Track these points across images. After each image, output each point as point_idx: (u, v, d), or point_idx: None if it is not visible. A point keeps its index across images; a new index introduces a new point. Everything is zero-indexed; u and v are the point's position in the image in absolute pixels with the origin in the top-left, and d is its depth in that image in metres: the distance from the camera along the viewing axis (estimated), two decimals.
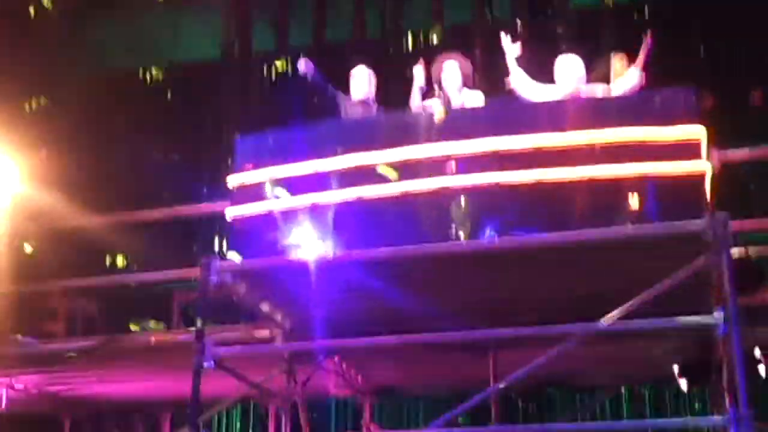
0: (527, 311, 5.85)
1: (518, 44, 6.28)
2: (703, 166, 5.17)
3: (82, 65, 12.04)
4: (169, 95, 11.82)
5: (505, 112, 5.76)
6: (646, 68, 6.08)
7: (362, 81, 6.52)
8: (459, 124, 5.64)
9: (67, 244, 8.13)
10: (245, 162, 5.96)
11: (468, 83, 6.35)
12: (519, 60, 6.23)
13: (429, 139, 5.58)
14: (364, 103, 6.49)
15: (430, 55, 10.66)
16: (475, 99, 6.25)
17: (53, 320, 7.97)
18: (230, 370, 5.68)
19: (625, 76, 6.17)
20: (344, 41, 11.36)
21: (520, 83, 6.15)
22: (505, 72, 6.25)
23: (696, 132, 5.21)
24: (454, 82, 6.26)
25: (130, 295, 8.67)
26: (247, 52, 11.90)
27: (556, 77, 6.15)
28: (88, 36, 11.93)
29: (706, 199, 5.13)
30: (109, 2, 11.62)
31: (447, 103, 6.14)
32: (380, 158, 5.60)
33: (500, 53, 6.34)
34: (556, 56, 6.30)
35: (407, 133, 5.66)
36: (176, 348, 6.62)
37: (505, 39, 6.26)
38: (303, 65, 6.41)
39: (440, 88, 6.26)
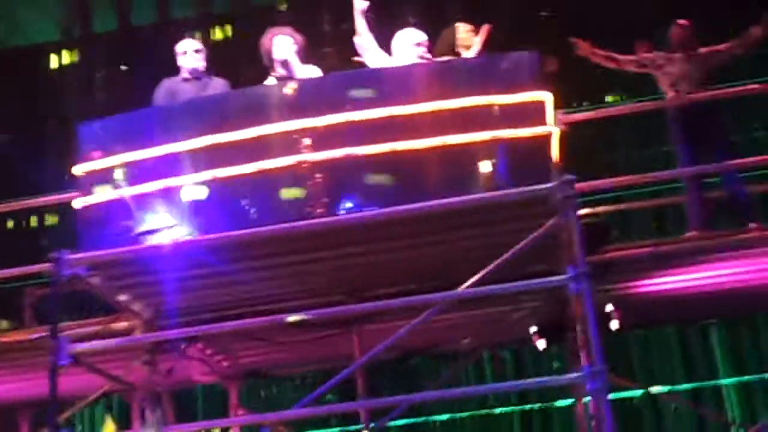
0: (388, 283, 5.89)
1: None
2: (548, 129, 5.29)
3: None
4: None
5: (354, 81, 5.73)
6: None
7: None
8: (309, 97, 5.58)
9: None
10: (91, 149, 5.75)
11: (301, 56, 6.26)
12: (366, 16, 6.18)
13: (281, 115, 5.51)
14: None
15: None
16: (311, 72, 6.19)
17: None
18: (89, 365, 5.51)
19: (470, 50, 6.27)
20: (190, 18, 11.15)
21: (366, 45, 6.12)
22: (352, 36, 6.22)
23: (541, 96, 5.32)
24: (289, 56, 6.16)
25: None
26: (89, 33, 11.53)
27: (395, 50, 6.18)
28: None
29: (553, 161, 5.26)
30: None
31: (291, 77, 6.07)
32: (232, 137, 5.50)
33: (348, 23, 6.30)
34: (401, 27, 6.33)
35: (259, 110, 5.57)
36: (31, 347, 6.36)
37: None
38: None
39: (279, 64, 6.17)
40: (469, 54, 6.40)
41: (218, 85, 6.51)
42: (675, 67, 6.78)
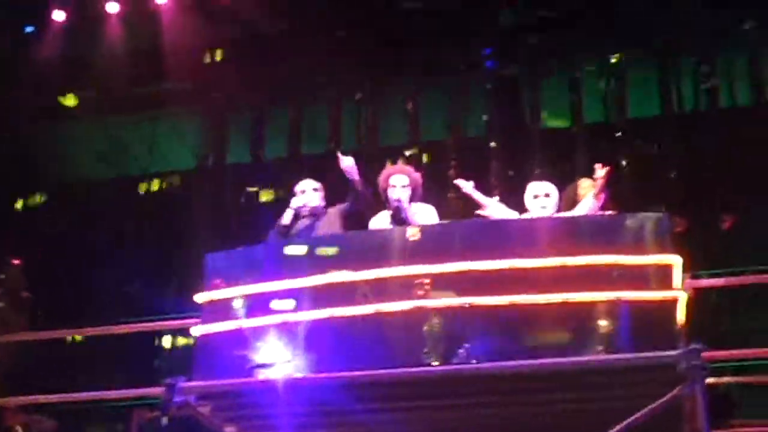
0: None
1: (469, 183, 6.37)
2: (676, 294, 5.13)
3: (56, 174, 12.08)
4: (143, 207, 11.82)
5: (478, 232, 5.74)
6: (602, 196, 6.13)
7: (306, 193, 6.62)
8: (432, 244, 5.59)
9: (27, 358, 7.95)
10: (214, 278, 5.88)
11: (415, 198, 6.34)
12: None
13: (402, 259, 5.53)
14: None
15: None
16: (426, 212, 6.23)
17: None
18: None
19: (582, 203, 6.21)
20: (320, 155, 11.47)
21: (492, 209, 6.18)
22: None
23: (670, 259, 5.19)
24: (404, 196, 6.25)
25: (89, 411, 8.44)
26: (221, 165, 11.96)
27: (527, 203, 6.19)
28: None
29: (678, 327, 5.08)
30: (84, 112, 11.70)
31: (405, 218, 6.13)
32: (351, 277, 5.53)
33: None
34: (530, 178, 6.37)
35: (380, 252, 5.60)
36: None
37: (463, 184, 6.33)
38: (345, 162, 6.32)
39: (393, 201, 6.26)
40: (588, 196, 6.33)
41: (331, 213, 6.64)
42: None
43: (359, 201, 6.42)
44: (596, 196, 6.12)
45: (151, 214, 11.65)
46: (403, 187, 6.30)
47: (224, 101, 11.75)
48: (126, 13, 10.67)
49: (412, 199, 6.36)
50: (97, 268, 10.39)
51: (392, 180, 6.35)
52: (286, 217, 6.62)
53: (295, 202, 6.64)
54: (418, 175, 6.48)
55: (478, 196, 6.36)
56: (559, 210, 6.25)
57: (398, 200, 6.24)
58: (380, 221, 6.37)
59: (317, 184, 6.76)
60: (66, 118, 11.68)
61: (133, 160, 12.44)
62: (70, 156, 12.31)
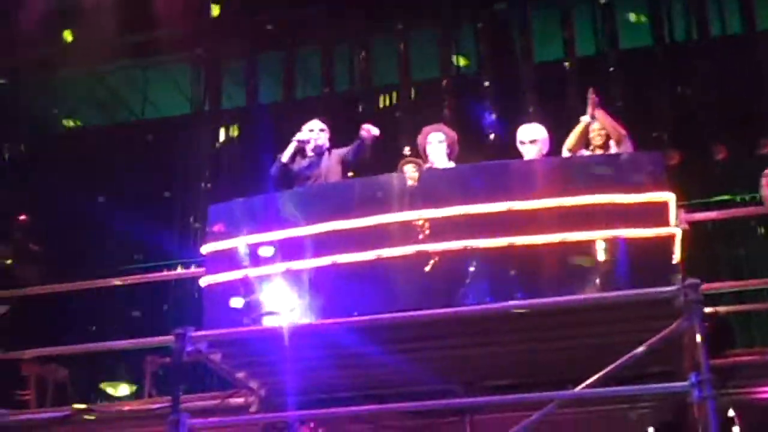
0: (505, 375, 5.88)
1: None
2: (671, 230, 5.24)
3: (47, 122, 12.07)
4: (139, 152, 11.83)
5: (476, 175, 5.81)
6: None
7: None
8: (431, 189, 5.68)
9: (38, 309, 8.08)
10: (219, 228, 5.97)
11: (452, 155, 6.57)
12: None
13: (402, 204, 5.62)
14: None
15: (398, 111, 10.98)
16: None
17: (24, 388, 7.86)
18: None
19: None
20: (314, 98, 11.47)
21: None
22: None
23: (664, 197, 5.29)
24: (439, 154, 6.43)
25: (102, 359, 8.60)
26: (218, 109, 11.96)
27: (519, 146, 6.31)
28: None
29: (676, 262, 5.20)
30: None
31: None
32: (352, 224, 5.63)
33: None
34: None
35: (381, 198, 5.69)
36: (150, 417, 6.55)
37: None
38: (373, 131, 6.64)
39: (425, 157, 6.48)
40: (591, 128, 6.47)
41: (333, 155, 6.86)
42: None
43: (363, 152, 6.72)
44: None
45: (149, 162, 11.67)
46: (440, 142, 6.58)
47: (217, 48, 11.71)
48: None
49: (450, 156, 6.61)
50: (98, 218, 10.44)
51: (430, 137, 6.63)
52: (287, 153, 6.82)
53: (299, 135, 6.84)
54: (454, 134, 6.73)
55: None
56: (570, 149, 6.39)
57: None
58: None
59: (324, 125, 6.99)
60: (58, 66, 11.61)
61: (125, 108, 12.45)
62: (64, 104, 12.31)
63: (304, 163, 6.86)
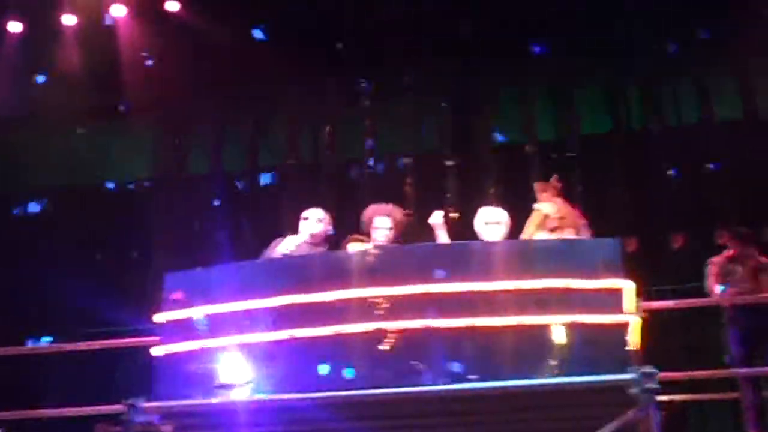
0: None
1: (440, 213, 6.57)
2: (627, 317, 5.28)
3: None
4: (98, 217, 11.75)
5: (436, 254, 5.84)
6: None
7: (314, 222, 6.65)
8: (391, 266, 5.68)
9: None
10: (174, 297, 5.91)
11: (399, 234, 6.52)
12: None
13: (361, 281, 5.61)
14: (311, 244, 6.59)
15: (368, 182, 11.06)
16: None
17: None
18: None
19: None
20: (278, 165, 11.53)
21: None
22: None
23: (620, 284, 5.34)
24: (384, 237, 6.43)
25: (49, 427, 8.39)
26: (182, 174, 11.95)
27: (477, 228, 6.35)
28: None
29: (632, 350, 5.23)
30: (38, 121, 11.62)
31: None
32: (311, 298, 5.60)
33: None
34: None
35: (341, 274, 5.68)
36: None
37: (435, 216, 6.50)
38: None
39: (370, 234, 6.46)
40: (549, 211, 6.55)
41: None
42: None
43: None
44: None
45: (109, 224, 11.58)
46: (388, 229, 6.49)
47: (182, 114, 11.75)
48: (82, 27, 10.63)
49: (395, 238, 6.53)
50: (55, 279, 10.31)
51: (376, 222, 6.54)
52: (287, 247, 6.59)
53: (296, 239, 6.63)
54: (401, 216, 6.65)
55: (440, 231, 6.50)
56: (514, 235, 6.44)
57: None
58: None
59: (323, 215, 6.76)
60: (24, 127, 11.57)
61: (90, 170, 12.39)
62: (26, 164, 12.23)
63: (305, 247, 6.62)
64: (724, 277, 6.99)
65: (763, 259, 7.10)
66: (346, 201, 10.24)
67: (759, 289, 6.89)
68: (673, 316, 7.45)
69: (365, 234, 6.60)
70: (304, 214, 6.79)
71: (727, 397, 7.29)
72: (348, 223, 6.99)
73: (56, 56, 10.71)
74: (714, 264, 7.04)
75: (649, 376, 4.83)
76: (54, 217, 11.38)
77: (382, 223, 6.51)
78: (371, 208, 6.67)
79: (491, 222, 6.51)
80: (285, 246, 6.60)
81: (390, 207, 6.70)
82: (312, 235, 6.66)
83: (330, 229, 6.81)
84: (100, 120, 11.88)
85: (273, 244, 6.70)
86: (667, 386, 6.12)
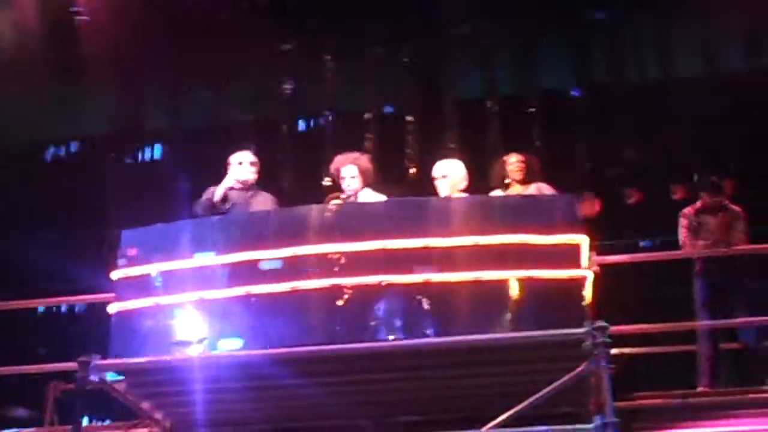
0: (414, 410, 5.86)
1: None
2: (583, 272, 5.31)
3: None
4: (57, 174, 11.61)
5: (395, 210, 5.83)
6: None
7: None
8: (348, 222, 5.67)
9: None
10: (130, 254, 5.86)
11: (368, 181, 6.46)
12: None
13: (319, 236, 5.59)
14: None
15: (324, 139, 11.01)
16: (371, 199, 6.36)
17: None
18: None
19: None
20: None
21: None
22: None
23: (577, 239, 5.36)
24: (353, 185, 6.38)
25: (3, 382, 8.32)
26: (140, 129, 11.81)
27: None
28: None
29: (586, 304, 5.27)
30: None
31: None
32: (268, 255, 5.58)
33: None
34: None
35: (298, 230, 5.65)
36: None
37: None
38: None
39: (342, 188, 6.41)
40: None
41: (265, 198, 6.68)
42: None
43: None
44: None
45: (64, 182, 11.43)
46: (352, 177, 6.46)
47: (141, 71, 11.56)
48: None
49: (364, 185, 6.49)
50: (13, 237, 10.19)
51: (343, 171, 6.50)
52: (218, 193, 6.62)
53: (229, 181, 6.65)
54: (367, 164, 6.59)
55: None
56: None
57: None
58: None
59: (254, 158, 6.79)
60: None
61: (45, 126, 12.18)
62: None
63: (235, 199, 6.64)
64: (694, 229, 6.95)
65: (735, 208, 7.05)
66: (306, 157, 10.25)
67: (729, 241, 6.86)
68: (628, 271, 7.48)
69: (341, 189, 6.58)
70: (237, 158, 6.76)
71: (681, 349, 7.37)
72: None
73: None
74: (684, 216, 7.00)
75: (600, 329, 4.86)
76: (7, 179, 11.15)
77: (348, 172, 6.48)
78: (337, 159, 6.63)
79: (438, 176, 6.52)
80: (216, 193, 6.61)
81: (355, 155, 6.68)
82: (240, 181, 6.66)
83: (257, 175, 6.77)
84: (56, 76, 11.63)
85: (204, 194, 6.69)
86: (620, 340, 6.21)
